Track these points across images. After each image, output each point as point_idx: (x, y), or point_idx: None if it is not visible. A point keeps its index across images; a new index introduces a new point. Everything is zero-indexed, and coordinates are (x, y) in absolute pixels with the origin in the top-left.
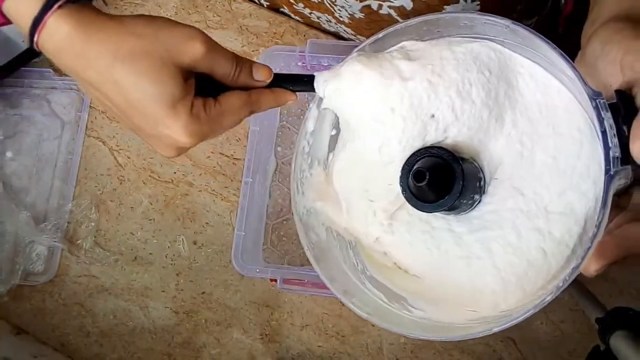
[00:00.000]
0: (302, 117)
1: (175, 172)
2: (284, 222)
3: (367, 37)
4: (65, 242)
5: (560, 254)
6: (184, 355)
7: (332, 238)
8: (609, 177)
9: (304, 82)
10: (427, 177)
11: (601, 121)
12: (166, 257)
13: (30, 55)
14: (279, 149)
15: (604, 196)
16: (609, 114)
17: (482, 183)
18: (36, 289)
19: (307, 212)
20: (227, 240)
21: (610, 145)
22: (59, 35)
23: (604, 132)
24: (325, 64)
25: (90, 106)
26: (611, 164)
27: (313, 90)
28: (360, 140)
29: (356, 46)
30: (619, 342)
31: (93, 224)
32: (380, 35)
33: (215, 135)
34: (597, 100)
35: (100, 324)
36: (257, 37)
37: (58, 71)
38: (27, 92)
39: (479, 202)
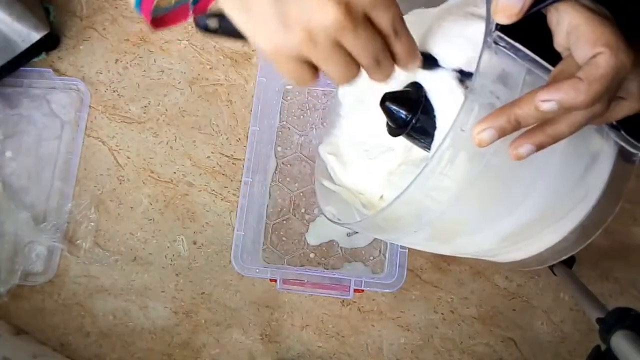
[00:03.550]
0: (302, 117)
1: (175, 172)
2: (284, 222)
3: None
4: (64, 242)
5: None
6: (184, 355)
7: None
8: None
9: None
10: (386, 97)
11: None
12: (166, 257)
13: (30, 55)
14: (279, 149)
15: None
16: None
17: None
18: (36, 289)
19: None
20: (227, 240)
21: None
22: None
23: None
24: None
25: (90, 106)
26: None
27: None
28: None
29: None
30: (620, 342)
31: (93, 224)
32: None
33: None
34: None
35: (100, 324)
36: None
37: (58, 71)
38: (27, 92)
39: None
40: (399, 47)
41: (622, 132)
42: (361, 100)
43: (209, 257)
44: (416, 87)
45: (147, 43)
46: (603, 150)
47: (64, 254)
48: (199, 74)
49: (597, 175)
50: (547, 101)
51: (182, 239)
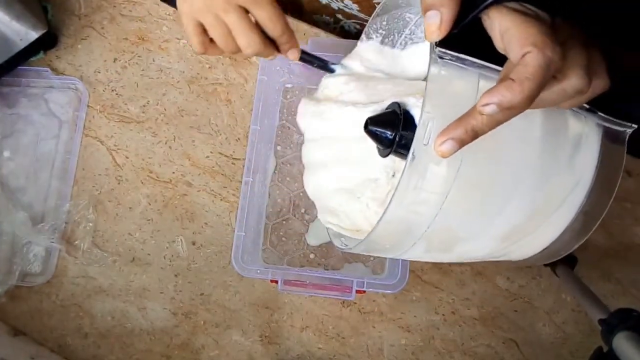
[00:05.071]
0: None
1: (173, 172)
2: (284, 222)
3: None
4: (62, 243)
5: None
6: (183, 357)
7: None
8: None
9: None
10: (369, 122)
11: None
12: (164, 257)
13: (28, 54)
14: (278, 148)
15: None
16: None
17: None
18: (33, 290)
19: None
20: (226, 240)
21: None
22: None
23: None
24: None
25: (88, 105)
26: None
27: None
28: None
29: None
30: (622, 343)
31: (91, 224)
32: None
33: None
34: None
35: (98, 325)
36: None
37: (56, 70)
38: (25, 91)
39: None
40: (277, 37)
41: (600, 114)
42: (318, 161)
43: (208, 258)
44: (396, 105)
45: (145, 42)
46: (585, 134)
47: (61, 254)
48: (198, 73)
49: (585, 160)
50: (487, 105)
51: (181, 239)
